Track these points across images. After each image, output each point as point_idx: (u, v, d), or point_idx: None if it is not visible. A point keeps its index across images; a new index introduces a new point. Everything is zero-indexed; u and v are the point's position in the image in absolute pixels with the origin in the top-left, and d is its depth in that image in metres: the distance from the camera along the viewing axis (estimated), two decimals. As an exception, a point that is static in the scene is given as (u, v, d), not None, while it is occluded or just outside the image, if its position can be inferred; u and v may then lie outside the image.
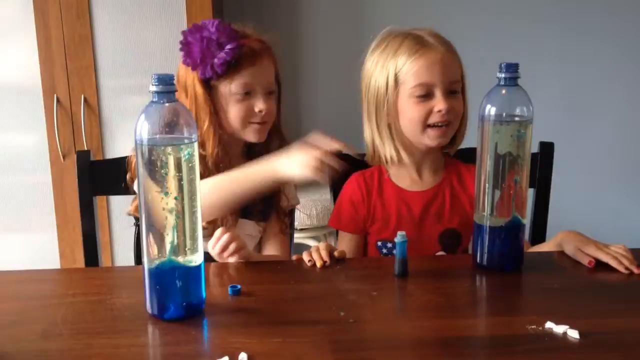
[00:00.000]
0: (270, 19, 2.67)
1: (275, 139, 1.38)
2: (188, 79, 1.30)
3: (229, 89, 1.29)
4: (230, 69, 1.26)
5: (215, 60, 1.25)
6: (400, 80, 1.27)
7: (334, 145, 1.15)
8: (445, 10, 2.68)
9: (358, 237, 1.39)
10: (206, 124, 1.29)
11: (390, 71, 1.27)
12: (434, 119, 1.27)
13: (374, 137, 1.34)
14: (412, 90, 1.26)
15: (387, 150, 1.32)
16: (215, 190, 1.22)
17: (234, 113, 1.30)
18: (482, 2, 2.70)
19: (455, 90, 1.29)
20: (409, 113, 1.28)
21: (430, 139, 1.29)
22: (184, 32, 1.28)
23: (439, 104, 1.26)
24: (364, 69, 1.35)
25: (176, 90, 0.90)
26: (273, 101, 1.33)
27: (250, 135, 1.33)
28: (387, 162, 1.35)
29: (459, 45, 1.33)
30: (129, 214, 1.36)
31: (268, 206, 1.39)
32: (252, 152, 1.37)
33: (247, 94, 1.30)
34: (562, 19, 2.71)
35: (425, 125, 1.28)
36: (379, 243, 1.36)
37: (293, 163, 1.15)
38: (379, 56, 1.31)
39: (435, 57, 1.26)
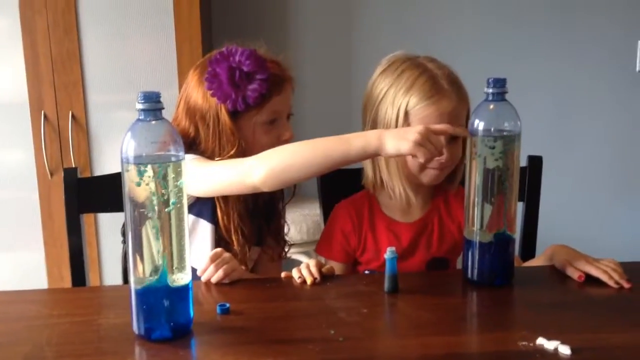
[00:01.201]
0: (262, 31, 2.68)
1: None
2: (211, 109, 1.25)
3: (257, 119, 1.26)
4: (262, 99, 1.24)
5: (249, 92, 1.21)
6: (408, 119, 1.25)
7: (440, 127, 1.13)
8: (433, 19, 2.68)
9: (347, 266, 1.37)
10: (231, 153, 1.24)
11: (402, 108, 1.24)
12: (432, 164, 1.25)
13: (380, 170, 1.31)
14: None
15: (396, 187, 1.30)
16: (309, 149, 1.12)
17: (261, 143, 1.26)
18: (470, 11, 2.70)
19: (457, 136, 1.27)
20: None
21: (427, 177, 1.28)
22: (210, 63, 1.24)
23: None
24: (372, 91, 1.30)
25: (163, 108, 0.89)
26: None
27: None
28: (390, 197, 1.33)
29: (447, 54, 1.32)
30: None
31: (270, 231, 1.37)
32: None
33: (273, 122, 1.27)
34: (551, 31, 2.73)
35: (424, 167, 1.27)
36: (367, 272, 1.35)
37: (398, 137, 1.08)
38: (391, 87, 1.27)
39: (447, 108, 1.23)
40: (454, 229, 1.34)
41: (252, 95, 1.22)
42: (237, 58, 1.22)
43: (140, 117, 0.89)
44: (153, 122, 0.89)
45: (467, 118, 1.28)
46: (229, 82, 1.21)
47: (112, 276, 2.28)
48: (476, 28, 2.71)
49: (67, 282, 1.46)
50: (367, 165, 1.33)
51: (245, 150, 1.25)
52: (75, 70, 2.21)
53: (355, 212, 1.35)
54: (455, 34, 2.67)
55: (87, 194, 1.44)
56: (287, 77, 1.29)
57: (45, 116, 2.22)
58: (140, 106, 0.88)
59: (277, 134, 1.28)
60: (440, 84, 1.25)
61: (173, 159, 0.89)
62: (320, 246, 1.39)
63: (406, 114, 1.24)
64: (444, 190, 1.36)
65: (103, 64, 2.22)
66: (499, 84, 1.08)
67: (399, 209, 1.35)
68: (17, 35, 2.17)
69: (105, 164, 2.25)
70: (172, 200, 0.89)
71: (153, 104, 0.88)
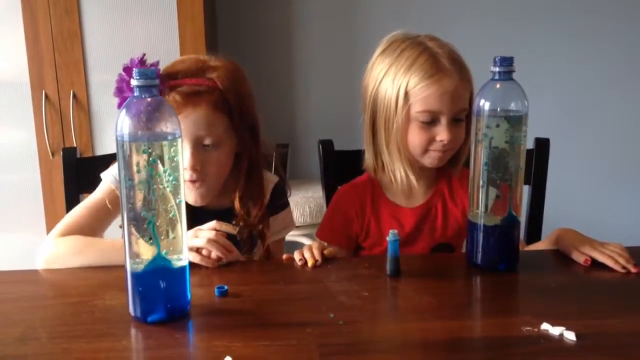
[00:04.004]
0: (264, 13, 2.64)
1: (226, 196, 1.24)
2: None
3: None
4: None
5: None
6: (409, 99, 1.22)
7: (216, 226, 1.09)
8: (440, 8, 2.64)
9: (349, 251, 1.35)
10: None
11: (402, 88, 1.21)
12: (434, 147, 1.23)
13: (381, 152, 1.28)
14: (417, 115, 1.22)
15: (397, 170, 1.27)
16: (81, 249, 1.13)
17: None
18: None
19: (460, 118, 1.24)
20: (411, 136, 1.24)
21: (429, 159, 1.26)
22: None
23: (442, 134, 1.22)
24: (372, 72, 1.28)
25: (158, 85, 0.87)
26: (215, 152, 1.16)
27: (187, 196, 1.16)
28: (392, 180, 1.30)
29: (450, 34, 1.29)
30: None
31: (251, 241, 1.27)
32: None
33: None
34: (559, 16, 2.69)
35: (426, 149, 1.25)
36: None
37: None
38: (391, 66, 1.24)
39: (449, 86, 1.20)
40: (458, 214, 1.32)
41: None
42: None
43: (136, 94, 0.86)
44: (149, 99, 0.86)
45: (471, 99, 1.25)
46: (117, 91, 1.14)
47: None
48: (482, 9, 2.66)
49: (67, 263, 1.44)
50: (368, 148, 1.31)
51: None
52: (77, 49, 2.19)
53: (358, 196, 1.33)
54: (460, 14, 2.63)
55: (86, 173, 1.42)
56: (193, 101, 1.12)
57: (46, 96, 2.20)
58: (135, 82, 0.85)
59: None
60: (441, 62, 1.21)
61: (169, 137, 0.87)
62: (322, 230, 1.36)
63: (406, 94, 1.22)
64: (447, 173, 1.33)
65: (104, 44, 2.20)
66: (506, 63, 1.04)
67: (402, 193, 1.32)
68: (17, 13, 2.14)
69: (108, 144, 2.23)
70: (167, 179, 0.87)
71: (149, 81, 0.85)
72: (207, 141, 1.15)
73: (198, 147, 1.15)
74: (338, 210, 1.34)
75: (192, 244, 1.09)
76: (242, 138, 1.20)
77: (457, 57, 1.24)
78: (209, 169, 1.16)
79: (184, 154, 1.10)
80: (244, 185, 1.23)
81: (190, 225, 1.13)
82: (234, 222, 1.21)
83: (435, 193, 1.33)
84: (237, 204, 1.22)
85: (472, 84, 1.25)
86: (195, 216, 1.16)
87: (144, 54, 1.11)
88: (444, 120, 1.22)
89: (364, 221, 1.32)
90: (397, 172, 1.28)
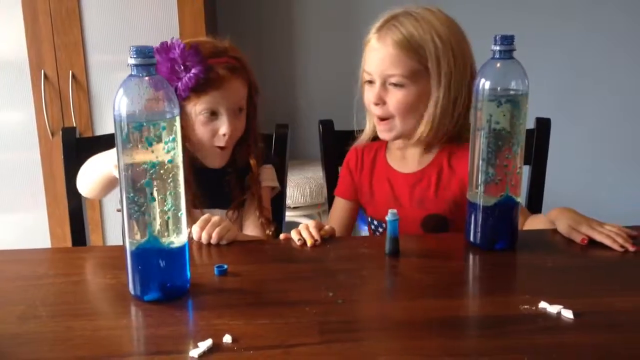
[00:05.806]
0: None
1: (243, 153, 1.36)
2: None
3: (195, 108, 1.26)
4: (196, 91, 1.24)
5: (179, 84, 1.23)
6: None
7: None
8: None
9: (351, 206, 1.39)
10: None
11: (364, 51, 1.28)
12: (374, 110, 1.27)
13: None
14: (364, 75, 1.26)
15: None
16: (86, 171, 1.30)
17: (198, 133, 1.28)
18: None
19: (398, 83, 1.24)
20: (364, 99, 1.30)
21: (380, 131, 1.29)
22: (155, 51, 1.25)
23: (375, 96, 1.25)
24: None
25: (155, 64, 0.86)
26: (241, 118, 1.32)
27: (211, 160, 1.32)
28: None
29: (454, 11, 1.28)
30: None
31: (237, 192, 1.35)
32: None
33: (213, 114, 1.27)
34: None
35: (375, 116, 1.29)
36: (375, 222, 1.35)
37: None
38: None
39: (381, 46, 1.23)
40: (456, 188, 1.30)
41: (182, 87, 1.23)
42: (174, 49, 1.23)
43: (133, 73, 0.86)
44: (146, 77, 0.86)
45: (434, 64, 1.23)
46: (166, 72, 1.23)
47: (114, 237, 2.28)
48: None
49: (69, 243, 1.45)
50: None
51: (186, 139, 1.26)
52: (75, 30, 2.17)
53: (362, 153, 1.38)
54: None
55: (86, 153, 1.41)
56: (236, 73, 1.28)
57: (45, 76, 2.19)
58: (132, 61, 0.85)
59: (215, 127, 1.28)
60: (390, 24, 1.23)
61: (167, 115, 0.87)
62: (337, 187, 1.43)
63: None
64: (449, 146, 1.32)
65: (103, 24, 2.18)
66: (507, 41, 1.04)
67: (399, 158, 1.36)
68: (15, -7, 2.13)
69: (107, 125, 2.23)
70: (166, 159, 0.87)
71: (146, 59, 0.85)
72: (239, 108, 1.30)
73: (233, 114, 1.29)
74: (346, 165, 1.41)
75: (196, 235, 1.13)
76: (253, 106, 1.35)
77: (411, 37, 1.22)
78: (237, 133, 1.31)
79: (220, 123, 1.27)
80: (255, 147, 1.37)
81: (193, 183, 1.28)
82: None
83: (432, 163, 1.32)
84: (253, 162, 1.36)
85: (429, 62, 1.22)
86: (198, 176, 1.30)
87: (178, 38, 1.26)
88: (377, 83, 1.24)
89: (361, 177, 1.37)
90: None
